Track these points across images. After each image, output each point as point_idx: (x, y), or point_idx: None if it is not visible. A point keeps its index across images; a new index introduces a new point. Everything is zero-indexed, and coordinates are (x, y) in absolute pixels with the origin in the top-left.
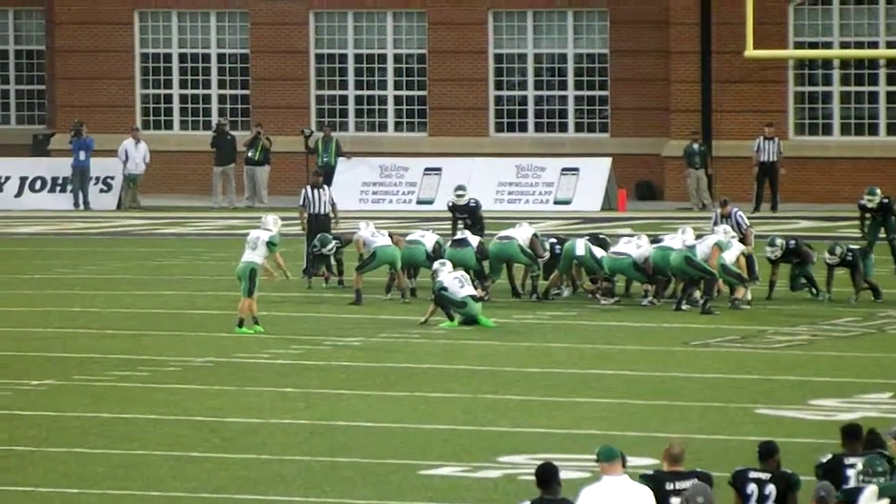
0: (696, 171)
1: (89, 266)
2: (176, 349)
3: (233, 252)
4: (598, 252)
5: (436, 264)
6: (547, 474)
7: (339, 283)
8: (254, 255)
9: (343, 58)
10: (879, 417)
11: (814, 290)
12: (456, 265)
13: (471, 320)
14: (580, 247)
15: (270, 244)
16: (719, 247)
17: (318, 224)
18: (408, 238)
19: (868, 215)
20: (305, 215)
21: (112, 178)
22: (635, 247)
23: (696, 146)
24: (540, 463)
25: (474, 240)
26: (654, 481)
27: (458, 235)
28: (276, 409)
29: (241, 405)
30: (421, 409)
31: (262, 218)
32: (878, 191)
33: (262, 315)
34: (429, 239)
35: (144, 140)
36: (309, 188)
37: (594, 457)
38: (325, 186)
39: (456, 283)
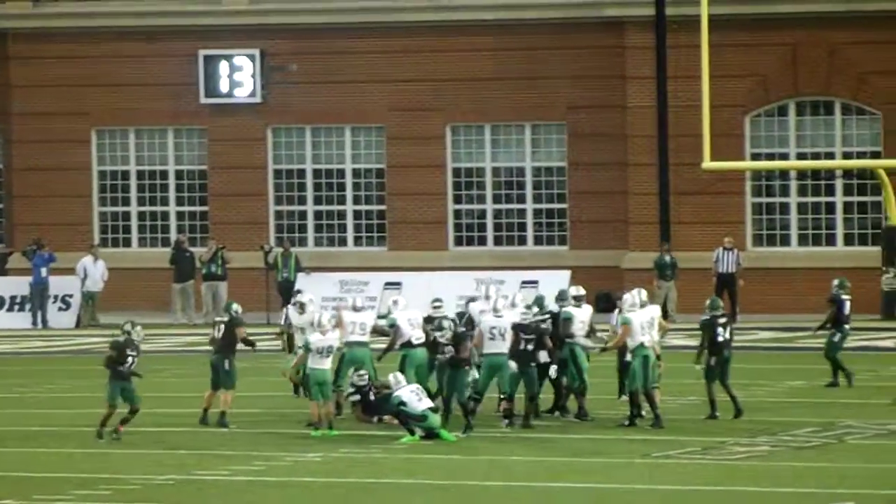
0: (668, 282)
1: (48, 384)
2: (137, 467)
3: (193, 369)
4: None
5: (391, 377)
6: None
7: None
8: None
9: (301, 173)
10: None
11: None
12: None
13: (432, 434)
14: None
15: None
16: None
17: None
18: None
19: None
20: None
21: (71, 296)
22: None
23: (667, 258)
24: None
25: None
26: None
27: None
28: None
29: None
30: None
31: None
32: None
33: (231, 431)
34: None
35: (103, 258)
36: (290, 308)
37: None
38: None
39: (413, 396)
